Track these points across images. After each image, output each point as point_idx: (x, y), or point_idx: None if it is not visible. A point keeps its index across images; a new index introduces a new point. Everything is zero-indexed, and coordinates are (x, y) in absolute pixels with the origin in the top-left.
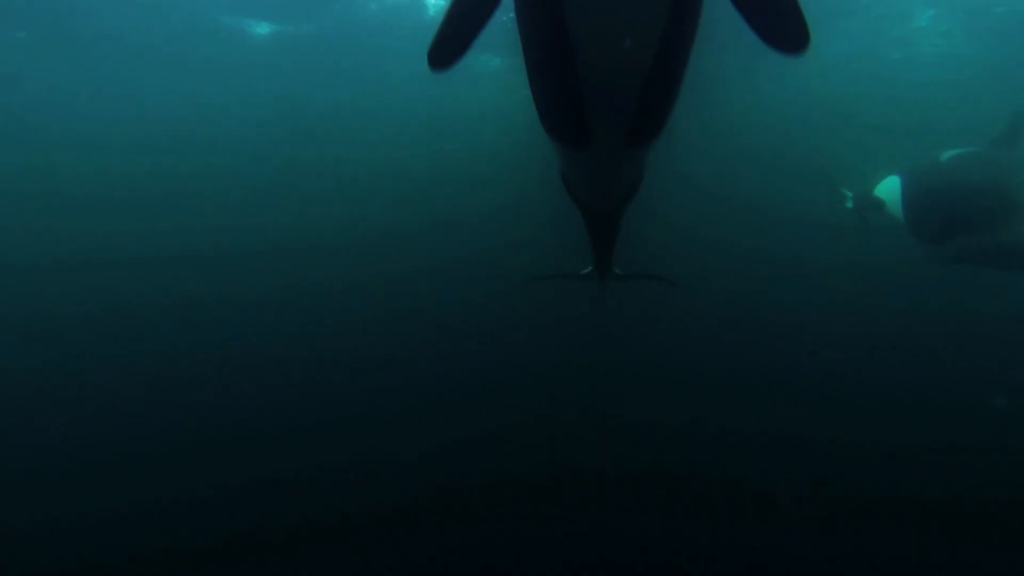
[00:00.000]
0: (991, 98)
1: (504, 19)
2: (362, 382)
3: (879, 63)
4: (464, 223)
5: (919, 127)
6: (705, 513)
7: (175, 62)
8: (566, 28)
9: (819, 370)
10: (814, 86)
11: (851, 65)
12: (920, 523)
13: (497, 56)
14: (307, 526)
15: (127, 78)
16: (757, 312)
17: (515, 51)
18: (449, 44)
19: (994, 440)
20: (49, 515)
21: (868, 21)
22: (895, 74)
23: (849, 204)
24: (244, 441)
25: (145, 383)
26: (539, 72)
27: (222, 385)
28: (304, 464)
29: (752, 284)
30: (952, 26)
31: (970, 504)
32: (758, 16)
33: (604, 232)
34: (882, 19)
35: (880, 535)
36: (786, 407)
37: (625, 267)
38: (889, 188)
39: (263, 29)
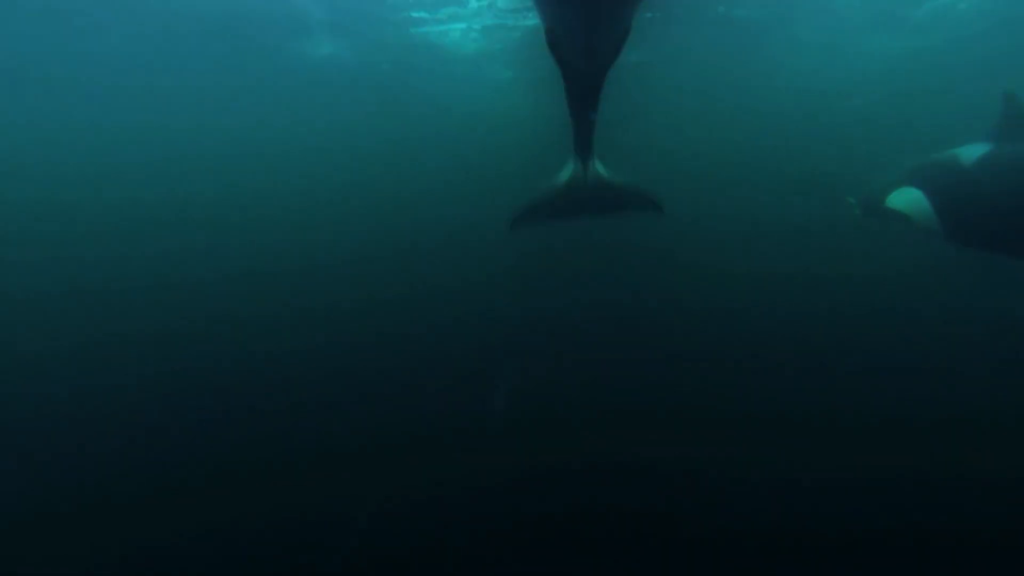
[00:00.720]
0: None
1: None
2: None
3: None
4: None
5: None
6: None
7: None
8: None
9: (840, 396)
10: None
11: (818, 66)
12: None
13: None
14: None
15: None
16: (758, 333)
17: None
18: None
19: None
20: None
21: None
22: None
23: (857, 211)
24: (240, 476)
25: (136, 412)
26: None
27: (218, 412)
28: (302, 503)
29: (753, 304)
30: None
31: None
32: None
33: (585, 99)
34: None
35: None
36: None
37: (611, 173)
38: (910, 201)
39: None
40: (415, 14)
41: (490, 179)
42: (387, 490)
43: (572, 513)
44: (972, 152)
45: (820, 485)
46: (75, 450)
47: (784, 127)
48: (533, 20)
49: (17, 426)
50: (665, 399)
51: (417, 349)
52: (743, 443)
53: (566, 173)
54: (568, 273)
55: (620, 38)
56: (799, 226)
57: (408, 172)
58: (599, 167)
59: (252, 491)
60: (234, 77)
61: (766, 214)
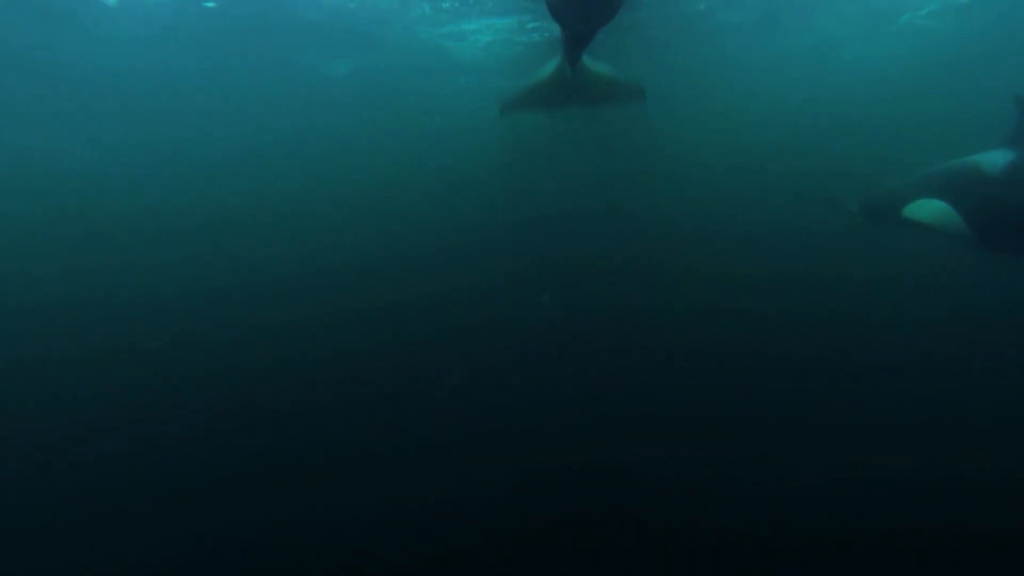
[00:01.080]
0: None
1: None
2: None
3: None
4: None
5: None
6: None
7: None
8: None
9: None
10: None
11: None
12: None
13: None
14: None
15: None
16: (758, 334)
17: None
18: None
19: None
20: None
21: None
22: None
23: (858, 219)
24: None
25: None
26: None
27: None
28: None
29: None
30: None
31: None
32: None
33: (580, 41)
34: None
35: None
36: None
37: (595, 63)
38: (936, 212)
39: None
40: (422, 29)
41: (490, 180)
42: (388, 492)
43: (572, 517)
44: (995, 159)
45: (821, 486)
46: (81, 454)
47: (782, 130)
48: (529, 37)
49: (19, 428)
50: (666, 401)
51: (419, 352)
52: (744, 445)
53: (552, 65)
54: (567, 276)
55: (617, 3)
56: (796, 227)
57: (410, 173)
58: (587, 63)
59: (254, 496)
60: (249, 86)
61: (763, 216)
